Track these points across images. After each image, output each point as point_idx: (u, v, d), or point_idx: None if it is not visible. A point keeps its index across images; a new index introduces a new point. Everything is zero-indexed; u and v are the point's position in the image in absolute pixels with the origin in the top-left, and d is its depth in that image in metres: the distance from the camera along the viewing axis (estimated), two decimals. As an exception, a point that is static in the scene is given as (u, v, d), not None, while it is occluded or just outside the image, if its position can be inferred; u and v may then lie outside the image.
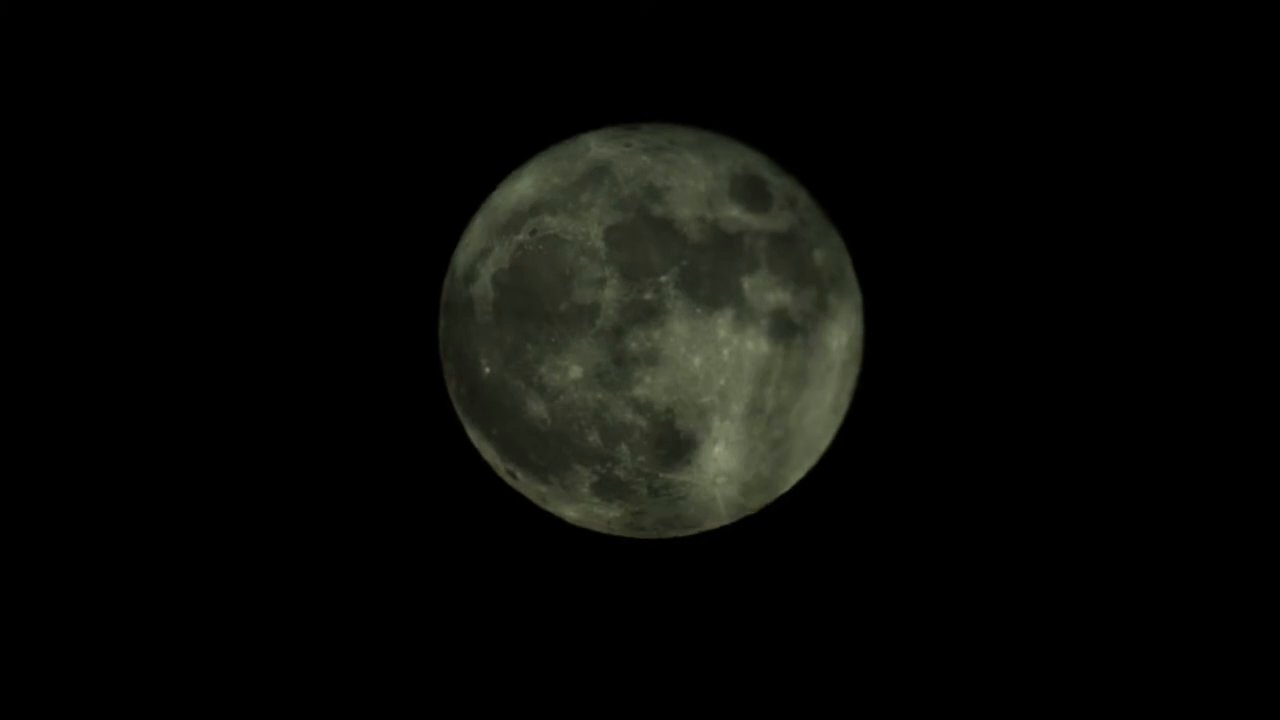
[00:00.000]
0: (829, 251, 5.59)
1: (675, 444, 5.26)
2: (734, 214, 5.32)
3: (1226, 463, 5.94)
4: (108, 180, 6.09)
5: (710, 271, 5.17)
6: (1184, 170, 5.97)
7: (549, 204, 5.37)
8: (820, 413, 5.55)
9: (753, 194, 5.42)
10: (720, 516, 5.64)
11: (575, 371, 5.20)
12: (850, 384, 5.70)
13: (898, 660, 6.10)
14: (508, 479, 5.69)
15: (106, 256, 6.09)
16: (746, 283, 5.23)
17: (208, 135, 6.13)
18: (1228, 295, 5.94)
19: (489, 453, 5.70)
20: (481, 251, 5.54)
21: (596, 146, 5.55)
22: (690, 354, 5.15)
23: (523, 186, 5.56)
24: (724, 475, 5.42)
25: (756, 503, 5.67)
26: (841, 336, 5.54)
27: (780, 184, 5.57)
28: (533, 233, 5.36)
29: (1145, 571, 6.01)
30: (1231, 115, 5.91)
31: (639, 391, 5.17)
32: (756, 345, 5.23)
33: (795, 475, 5.73)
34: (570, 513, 5.64)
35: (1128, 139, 6.00)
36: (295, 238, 6.16)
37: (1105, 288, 6.02)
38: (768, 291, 5.27)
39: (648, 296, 5.13)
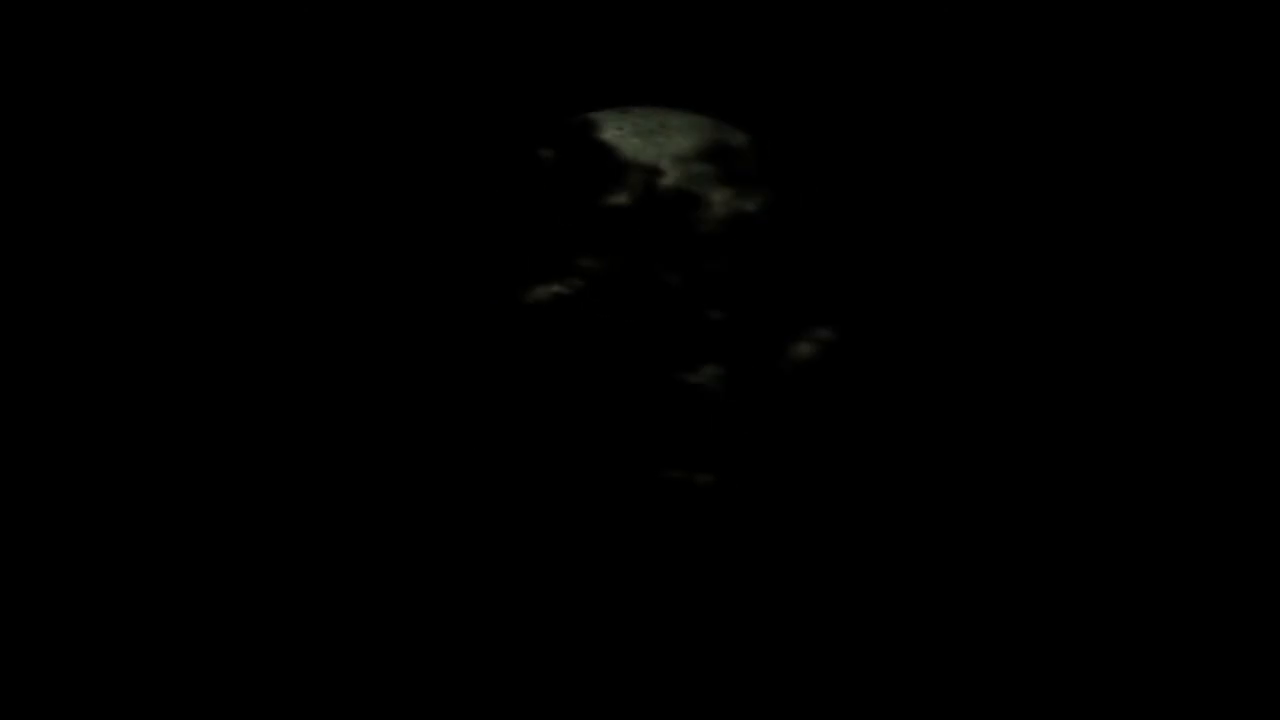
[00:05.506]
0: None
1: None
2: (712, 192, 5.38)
3: (1203, 435, 6.01)
4: (106, 175, 6.13)
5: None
6: (1157, 149, 6.05)
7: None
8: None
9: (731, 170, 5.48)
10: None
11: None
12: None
13: (887, 640, 6.12)
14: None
15: (103, 253, 6.12)
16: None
17: (201, 123, 6.16)
18: (1203, 264, 6.04)
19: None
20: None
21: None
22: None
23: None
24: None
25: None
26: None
27: (759, 164, 5.62)
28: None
29: (1131, 559, 6.05)
30: (1216, 110, 5.99)
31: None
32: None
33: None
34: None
35: (1118, 128, 6.06)
36: (289, 226, 6.19)
37: (1097, 274, 6.08)
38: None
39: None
